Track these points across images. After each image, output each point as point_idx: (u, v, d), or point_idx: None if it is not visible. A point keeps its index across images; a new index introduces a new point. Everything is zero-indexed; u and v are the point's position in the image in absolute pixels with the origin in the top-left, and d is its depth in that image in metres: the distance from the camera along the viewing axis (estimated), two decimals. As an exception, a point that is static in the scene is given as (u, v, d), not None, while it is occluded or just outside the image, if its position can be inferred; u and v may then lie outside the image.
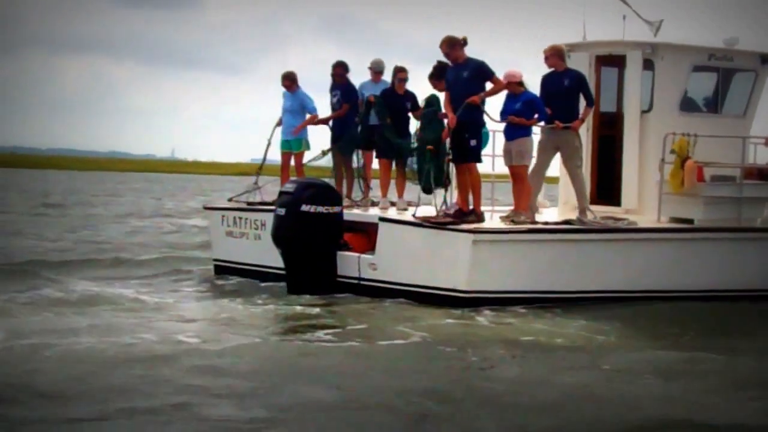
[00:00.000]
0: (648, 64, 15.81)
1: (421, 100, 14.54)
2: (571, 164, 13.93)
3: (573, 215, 14.35)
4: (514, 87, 13.44)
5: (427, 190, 13.49)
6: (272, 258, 14.01)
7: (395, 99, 14.88)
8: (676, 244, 13.96)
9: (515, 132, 13.42)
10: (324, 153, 15.09)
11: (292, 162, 15.70)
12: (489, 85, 13.19)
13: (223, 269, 15.29)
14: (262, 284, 14.09)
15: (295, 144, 15.52)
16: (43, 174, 76.40)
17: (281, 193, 13.67)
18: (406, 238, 12.98)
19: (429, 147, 13.25)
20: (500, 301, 12.66)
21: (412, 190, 15.20)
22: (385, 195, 15.08)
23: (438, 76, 13.59)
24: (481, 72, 13.04)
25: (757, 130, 16.69)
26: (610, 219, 13.98)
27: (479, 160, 13.25)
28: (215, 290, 14.02)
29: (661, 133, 15.25)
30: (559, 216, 15.09)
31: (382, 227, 13.26)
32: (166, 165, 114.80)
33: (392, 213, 14.22)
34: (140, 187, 60.13)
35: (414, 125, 14.78)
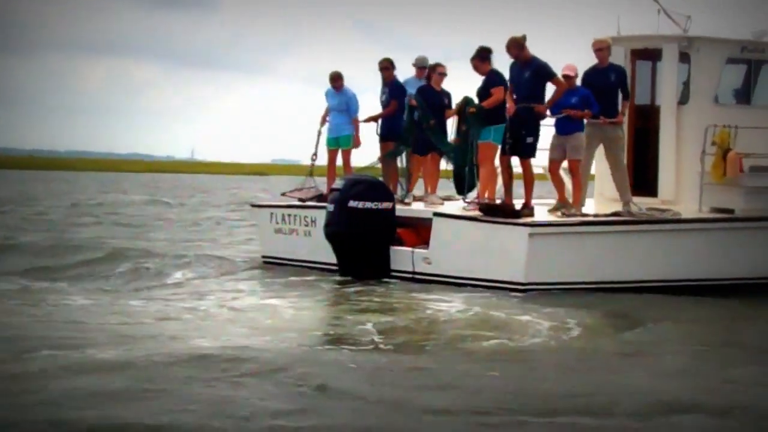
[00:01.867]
0: (684, 57, 15.72)
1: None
2: (615, 158, 13.89)
3: (609, 208, 14.33)
4: (571, 81, 13.38)
5: (462, 189, 13.76)
6: (323, 254, 14.05)
7: (433, 95, 14.82)
8: (722, 234, 13.88)
9: (570, 126, 13.39)
10: (398, 147, 14.90)
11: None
12: (549, 86, 13.28)
13: (272, 265, 15.23)
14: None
15: (343, 141, 15.52)
16: (73, 175, 75.77)
17: (332, 190, 13.76)
18: (462, 232, 13.00)
19: (471, 109, 13.30)
20: (555, 292, 12.68)
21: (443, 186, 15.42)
22: (434, 191, 15.04)
23: (482, 57, 13.49)
24: (543, 73, 13.17)
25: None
26: (654, 210, 13.91)
27: (534, 156, 13.32)
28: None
29: (698, 124, 15.18)
30: (595, 208, 15.03)
31: (437, 222, 13.23)
32: (185, 166, 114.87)
33: (446, 208, 14.18)
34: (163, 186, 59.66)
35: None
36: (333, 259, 13.98)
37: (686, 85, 15.81)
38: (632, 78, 15.93)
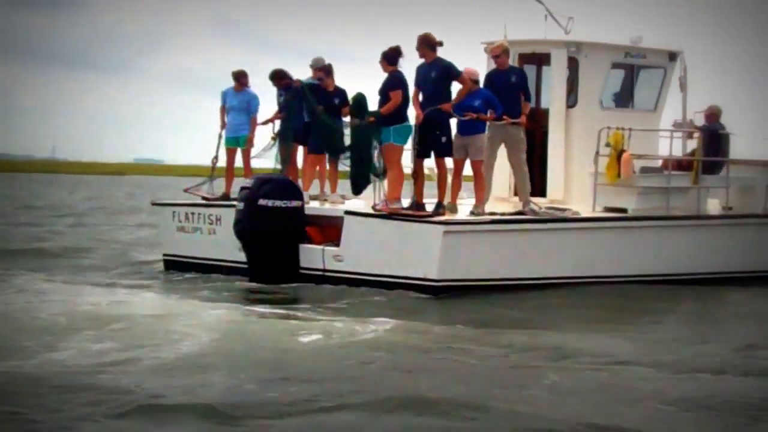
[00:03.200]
0: (571, 62, 15.93)
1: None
2: (517, 158, 13.97)
3: (499, 207, 14.47)
4: (472, 84, 13.38)
5: (359, 187, 13.71)
6: (228, 253, 13.97)
7: (325, 96, 14.64)
8: (620, 232, 14.32)
9: (472, 127, 13.41)
10: (274, 139, 14.71)
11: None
12: (455, 84, 13.26)
13: (173, 264, 14.93)
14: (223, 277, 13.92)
15: (243, 140, 15.30)
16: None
17: (241, 188, 13.64)
18: (375, 230, 12.97)
19: (371, 119, 13.30)
20: (467, 288, 12.81)
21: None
22: (334, 190, 14.94)
23: (388, 59, 13.40)
24: (448, 72, 13.16)
25: (665, 123, 17.03)
26: (554, 209, 14.07)
27: (451, 155, 13.37)
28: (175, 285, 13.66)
29: (585, 127, 15.49)
30: (489, 207, 15.10)
31: (349, 220, 13.18)
32: (44, 165, 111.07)
33: (357, 206, 14.07)
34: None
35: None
36: (238, 258, 13.82)
37: (574, 89, 16.05)
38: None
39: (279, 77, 14.84)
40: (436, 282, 12.63)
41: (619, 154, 14.27)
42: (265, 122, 15.17)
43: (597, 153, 14.60)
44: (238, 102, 15.13)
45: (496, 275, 13.11)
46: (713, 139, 15.45)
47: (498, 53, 14.03)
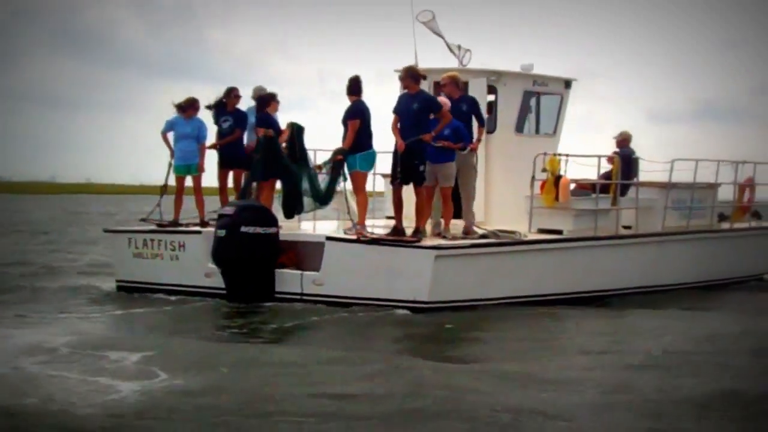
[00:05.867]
0: (490, 90, 16.32)
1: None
2: (468, 184, 14.18)
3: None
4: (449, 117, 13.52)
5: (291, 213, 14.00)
6: (191, 277, 14.10)
7: (273, 122, 14.56)
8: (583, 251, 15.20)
9: (443, 156, 13.52)
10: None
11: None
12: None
13: (128, 289, 14.76)
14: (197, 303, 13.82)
15: (194, 168, 15.03)
16: None
17: (220, 216, 13.68)
18: (359, 255, 13.09)
19: (339, 157, 13.60)
20: (455, 308, 13.14)
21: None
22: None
23: (351, 90, 13.68)
24: (430, 105, 13.39)
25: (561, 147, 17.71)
26: (501, 232, 14.32)
27: (425, 181, 13.56)
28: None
29: (504, 151, 15.89)
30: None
31: (330, 245, 13.28)
32: None
33: (335, 232, 14.14)
34: None
35: None
36: (201, 282, 14.00)
37: (493, 115, 16.45)
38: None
39: (236, 96, 14.90)
40: (425, 304, 12.85)
41: (556, 178, 14.73)
42: (212, 146, 15.02)
43: (533, 177, 15.02)
44: (190, 130, 14.88)
45: (481, 295, 13.51)
46: (626, 163, 16.24)
47: (445, 82, 14.19)
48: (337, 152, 13.68)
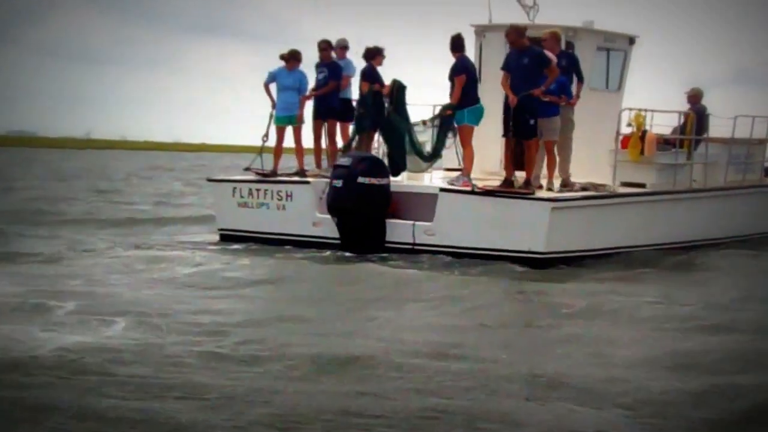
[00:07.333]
0: (568, 46, 16.53)
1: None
2: (565, 137, 14.45)
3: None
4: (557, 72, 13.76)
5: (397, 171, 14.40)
6: (296, 227, 14.29)
7: (378, 76, 14.89)
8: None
9: (548, 110, 13.75)
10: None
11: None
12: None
13: (230, 238, 14.89)
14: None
15: (295, 119, 15.23)
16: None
17: (336, 167, 13.85)
18: (473, 206, 13.37)
19: (448, 111, 13.84)
20: (571, 260, 13.52)
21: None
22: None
23: (454, 46, 13.94)
24: (540, 60, 13.57)
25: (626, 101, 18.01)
26: (591, 184, 14.63)
27: (536, 136, 13.81)
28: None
29: (578, 107, 16.15)
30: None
31: (443, 197, 13.56)
32: None
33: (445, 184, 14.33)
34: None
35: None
36: (306, 232, 14.18)
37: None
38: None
39: (324, 49, 15.14)
40: (542, 254, 13.18)
41: (642, 133, 15.06)
42: (308, 97, 15.18)
43: (618, 132, 15.30)
44: (292, 81, 15.03)
45: (594, 246, 13.94)
46: (699, 119, 16.59)
47: (545, 38, 14.41)
48: (446, 107, 13.92)
